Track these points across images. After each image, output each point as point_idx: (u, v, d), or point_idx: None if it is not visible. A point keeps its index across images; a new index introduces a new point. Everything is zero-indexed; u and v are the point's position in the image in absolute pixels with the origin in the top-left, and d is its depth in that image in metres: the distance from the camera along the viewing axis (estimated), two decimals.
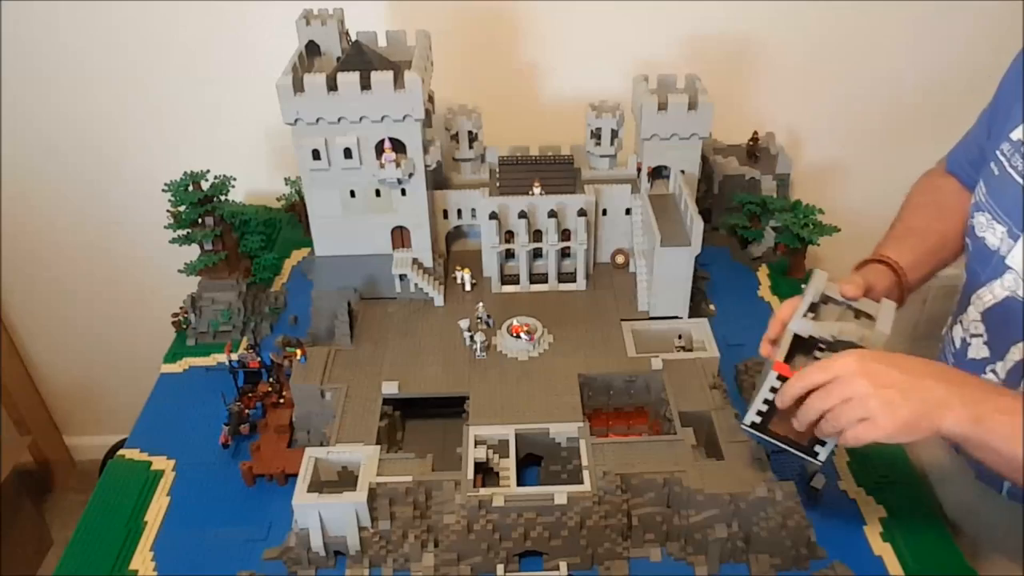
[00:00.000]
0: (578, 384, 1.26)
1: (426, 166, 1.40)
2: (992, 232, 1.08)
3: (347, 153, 1.36)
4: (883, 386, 0.87)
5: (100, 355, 2.31)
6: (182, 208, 1.46)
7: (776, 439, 1.02)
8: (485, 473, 1.14)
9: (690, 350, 1.36)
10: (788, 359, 0.99)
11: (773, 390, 0.98)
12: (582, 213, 1.45)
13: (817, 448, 1.00)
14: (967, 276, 1.17)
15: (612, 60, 1.79)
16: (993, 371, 1.09)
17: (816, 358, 0.99)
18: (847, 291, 1.02)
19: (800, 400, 0.94)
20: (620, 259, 1.55)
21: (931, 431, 0.86)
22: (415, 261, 1.48)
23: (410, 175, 1.39)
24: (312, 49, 1.47)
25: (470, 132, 1.55)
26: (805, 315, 1.00)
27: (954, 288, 2.14)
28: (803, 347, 1.00)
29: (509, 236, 1.48)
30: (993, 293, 1.08)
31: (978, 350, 1.12)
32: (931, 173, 1.33)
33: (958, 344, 1.17)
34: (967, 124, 1.27)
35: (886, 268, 1.15)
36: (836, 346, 0.98)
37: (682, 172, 1.48)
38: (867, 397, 0.87)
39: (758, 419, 1.01)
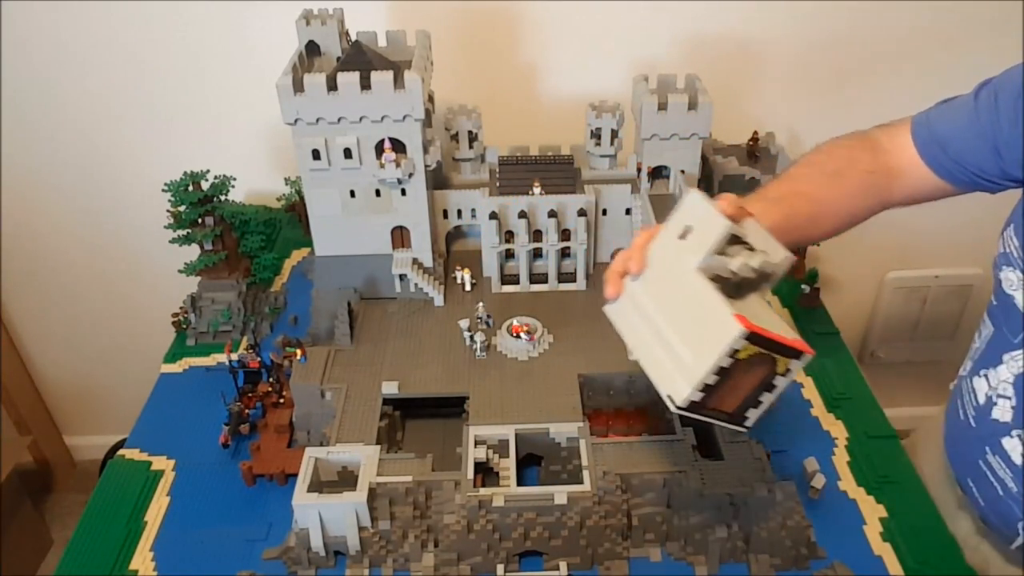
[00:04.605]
0: (578, 384, 1.26)
1: (426, 166, 1.40)
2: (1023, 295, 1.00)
3: (347, 153, 1.36)
4: None
5: (100, 355, 2.31)
6: (182, 208, 1.46)
7: (702, 414, 0.84)
8: (485, 473, 1.14)
9: None
10: None
11: (733, 354, 0.78)
12: (582, 213, 1.45)
13: (748, 413, 0.86)
14: (993, 328, 1.09)
15: (612, 60, 1.79)
16: (1019, 436, 1.03)
17: None
18: (726, 208, 0.84)
19: (742, 368, 0.79)
20: None
21: None
22: (415, 261, 1.48)
23: (410, 175, 1.39)
24: (312, 49, 1.47)
25: (470, 132, 1.55)
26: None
27: (955, 289, 2.16)
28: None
29: (509, 236, 1.48)
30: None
31: (1003, 412, 1.05)
32: (856, 140, 1.14)
33: (981, 399, 1.09)
34: None
35: None
36: (735, 281, 0.84)
37: (682, 172, 1.48)
38: None
39: (699, 396, 0.81)
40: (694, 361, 0.80)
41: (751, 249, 0.85)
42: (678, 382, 0.81)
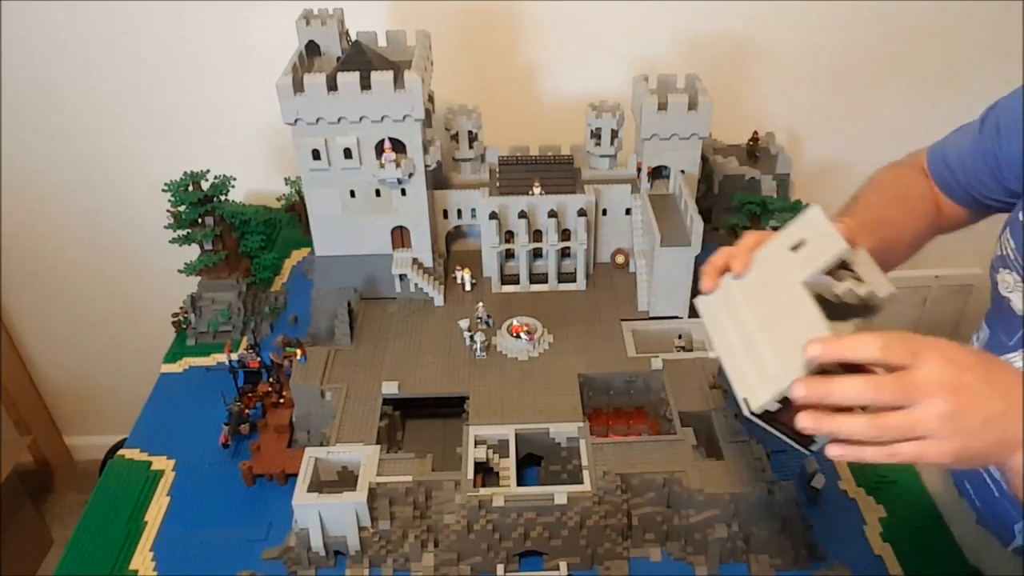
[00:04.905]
0: (578, 384, 1.26)
1: (426, 166, 1.40)
2: (1019, 296, 0.99)
3: (347, 153, 1.36)
4: (967, 411, 0.69)
5: (100, 355, 2.31)
6: (182, 208, 1.46)
7: (772, 426, 0.84)
8: (485, 473, 1.14)
9: (690, 350, 1.36)
10: None
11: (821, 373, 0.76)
12: (582, 213, 1.45)
13: (816, 437, 0.82)
14: (989, 332, 1.09)
15: (612, 60, 1.79)
16: None
17: None
18: (845, 232, 0.83)
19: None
20: (620, 259, 1.55)
21: (994, 464, 0.75)
22: (415, 261, 1.48)
23: (410, 175, 1.39)
24: (312, 49, 1.47)
25: (470, 132, 1.55)
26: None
27: (955, 289, 2.16)
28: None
29: (509, 236, 1.48)
30: (1021, 363, 1.00)
31: None
32: (904, 167, 1.18)
33: None
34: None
35: None
36: (839, 307, 0.83)
37: (682, 172, 1.48)
38: (942, 417, 0.69)
39: (775, 407, 0.81)
40: (780, 371, 0.79)
41: (857, 277, 0.85)
42: (758, 388, 0.81)
